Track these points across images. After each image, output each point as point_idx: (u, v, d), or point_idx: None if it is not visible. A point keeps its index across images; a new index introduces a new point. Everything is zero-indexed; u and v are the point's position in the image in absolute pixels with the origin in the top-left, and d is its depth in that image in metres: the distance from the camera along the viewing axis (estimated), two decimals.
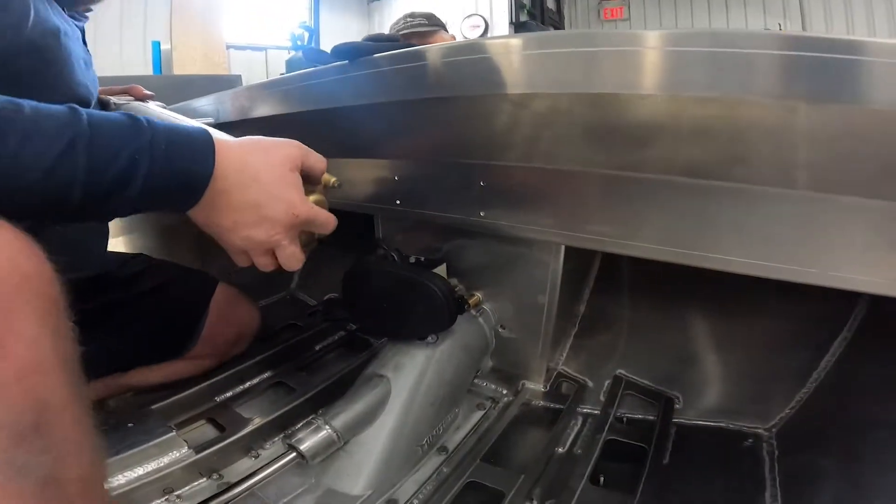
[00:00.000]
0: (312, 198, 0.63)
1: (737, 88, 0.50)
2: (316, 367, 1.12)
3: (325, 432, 0.75)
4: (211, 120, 0.68)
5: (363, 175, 0.94)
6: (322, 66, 0.84)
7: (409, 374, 0.83)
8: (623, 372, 0.98)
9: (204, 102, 1.03)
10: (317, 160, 0.61)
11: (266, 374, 1.07)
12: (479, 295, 0.96)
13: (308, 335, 1.18)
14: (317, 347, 1.17)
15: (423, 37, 2.01)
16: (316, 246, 0.69)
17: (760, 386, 0.90)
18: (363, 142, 0.87)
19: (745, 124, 0.53)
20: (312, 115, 0.86)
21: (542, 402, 0.97)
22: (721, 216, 0.59)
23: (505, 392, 0.99)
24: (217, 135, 0.53)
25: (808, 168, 0.52)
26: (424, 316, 0.82)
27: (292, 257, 0.59)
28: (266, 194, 0.54)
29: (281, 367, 1.08)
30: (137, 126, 0.47)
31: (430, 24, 2.03)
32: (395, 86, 0.74)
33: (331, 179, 0.67)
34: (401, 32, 2.01)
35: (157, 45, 4.83)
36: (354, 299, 0.91)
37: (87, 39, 0.87)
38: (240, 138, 0.56)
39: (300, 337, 1.17)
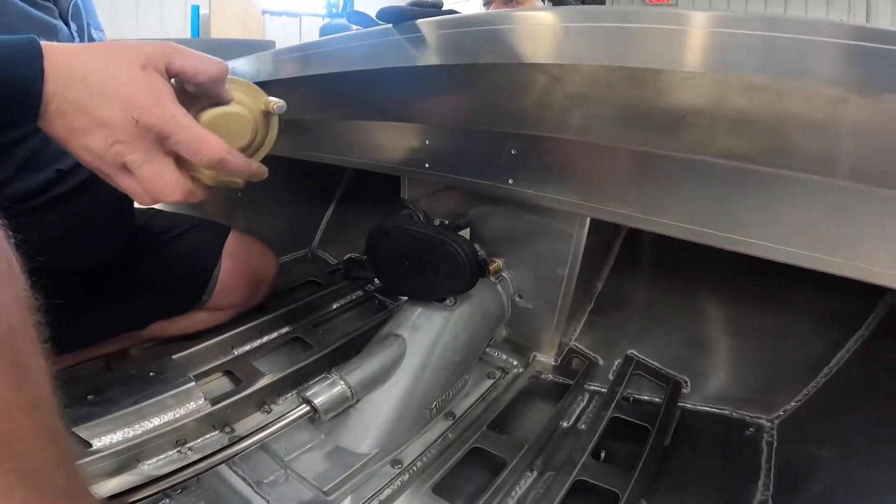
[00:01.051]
0: (207, 114, 0.52)
1: (788, 73, 0.49)
2: (333, 325, 1.15)
3: (339, 388, 0.76)
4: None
5: (394, 138, 0.94)
6: (365, 29, 0.83)
7: (426, 336, 0.84)
8: (634, 352, 0.99)
9: (243, 62, 1.04)
10: (197, 59, 0.49)
11: (284, 330, 1.09)
12: (499, 262, 0.96)
13: (327, 293, 1.20)
14: (335, 306, 1.20)
15: None
16: (239, 185, 0.57)
17: (770, 377, 0.90)
18: (399, 105, 0.87)
19: (791, 110, 0.52)
20: (352, 77, 0.86)
21: (551, 376, 0.98)
22: (752, 199, 0.59)
23: (516, 363, 1.00)
24: (53, 43, 0.45)
25: (850, 158, 0.51)
26: (446, 277, 0.83)
27: (156, 178, 0.48)
28: (93, 95, 0.44)
29: (298, 322, 1.11)
30: None
31: None
32: (437, 51, 0.74)
33: (270, 102, 0.57)
34: None
35: (196, 10, 4.91)
36: (377, 257, 0.92)
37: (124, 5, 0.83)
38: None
39: (319, 294, 1.19)
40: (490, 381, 0.96)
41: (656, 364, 0.97)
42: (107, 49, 0.46)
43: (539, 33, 0.64)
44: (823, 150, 0.53)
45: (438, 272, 0.84)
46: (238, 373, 0.94)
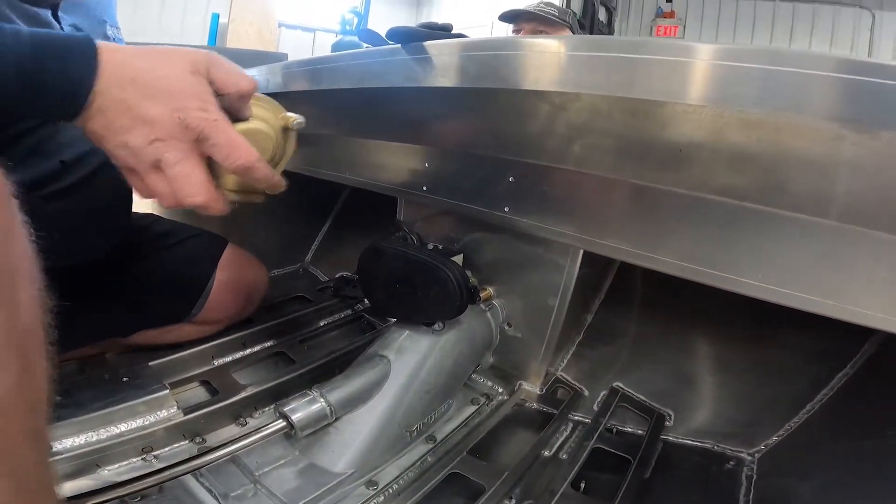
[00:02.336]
0: (242, 126, 0.54)
1: (788, 108, 0.49)
2: (318, 342, 1.13)
3: (318, 405, 0.75)
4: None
5: (393, 158, 0.94)
6: (375, 48, 0.84)
7: (411, 359, 0.83)
8: (620, 385, 0.98)
9: (254, 72, 1.05)
10: (231, 74, 0.51)
11: (268, 343, 1.07)
12: (490, 290, 0.96)
13: (315, 309, 1.19)
14: (322, 323, 1.18)
15: (546, 25, 1.96)
16: (259, 199, 0.60)
17: (753, 412, 0.90)
18: (402, 125, 0.88)
19: (789, 148, 0.52)
20: (358, 94, 0.87)
21: (535, 405, 0.97)
22: (746, 238, 0.59)
23: (501, 390, 0.99)
24: (107, 43, 0.47)
25: (845, 199, 0.51)
26: (436, 301, 0.82)
27: (185, 178, 0.48)
28: (142, 95, 0.46)
29: (283, 337, 1.09)
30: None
31: (559, 18, 1.97)
32: (443, 73, 0.74)
33: (290, 118, 0.59)
34: (528, 8, 1.96)
35: (216, 18, 5.01)
36: (368, 277, 0.91)
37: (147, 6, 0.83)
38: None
39: (307, 310, 1.18)
40: (474, 407, 0.94)
41: (641, 397, 0.96)
42: (158, 53, 0.48)
43: (544, 61, 0.65)
44: (818, 188, 0.53)
45: (428, 296, 0.83)
46: (216, 383, 0.92)
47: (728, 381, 0.95)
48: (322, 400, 0.75)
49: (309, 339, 1.13)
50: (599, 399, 0.97)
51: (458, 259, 0.93)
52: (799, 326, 0.76)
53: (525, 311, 0.95)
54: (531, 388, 0.99)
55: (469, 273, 0.92)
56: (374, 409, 0.80)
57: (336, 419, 0.77)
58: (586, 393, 0.99)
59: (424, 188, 0.90)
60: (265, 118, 0.57)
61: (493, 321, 0.96)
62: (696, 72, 0.54)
